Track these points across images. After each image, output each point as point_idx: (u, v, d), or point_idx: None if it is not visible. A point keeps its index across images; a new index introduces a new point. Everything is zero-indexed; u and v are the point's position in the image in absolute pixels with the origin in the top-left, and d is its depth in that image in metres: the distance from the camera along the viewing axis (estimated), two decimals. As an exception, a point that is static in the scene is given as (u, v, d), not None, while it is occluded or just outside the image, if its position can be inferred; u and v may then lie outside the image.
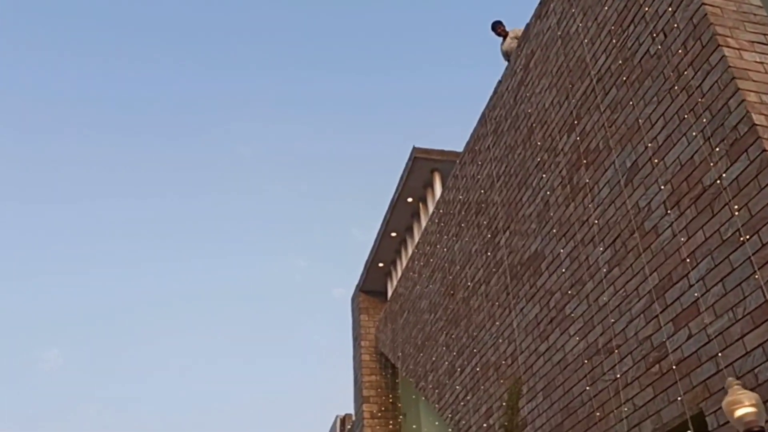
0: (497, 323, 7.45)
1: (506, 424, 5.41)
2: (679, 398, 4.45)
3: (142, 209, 43.93)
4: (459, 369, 8.50)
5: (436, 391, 9.29)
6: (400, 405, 11.77)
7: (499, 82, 8.11)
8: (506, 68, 7.95)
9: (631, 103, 5.25)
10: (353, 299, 14.57)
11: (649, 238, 4.91)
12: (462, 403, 8.30)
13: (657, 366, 4.70)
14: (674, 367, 4.51)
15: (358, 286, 14.28)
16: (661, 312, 4.69)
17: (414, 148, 10.83)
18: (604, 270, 5.42)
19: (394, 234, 12.56)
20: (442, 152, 10.85)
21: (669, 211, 4.68)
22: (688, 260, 4.44)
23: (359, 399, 13.30)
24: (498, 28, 8.79)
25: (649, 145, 4.99)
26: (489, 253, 7.88)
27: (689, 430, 4.22)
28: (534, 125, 6.96)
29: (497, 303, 7.51)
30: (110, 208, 42.67)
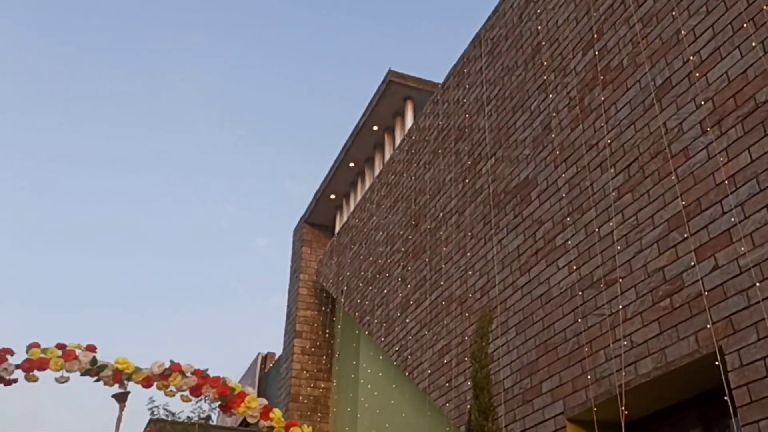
0: (468, 254, 6.94)
1: (476, 352, 4.93)
2: (692, 335, 4.03)
3: (66, 136, 41.24)
4: (415, 303, 8.00)
5: (384, 326, 8.78)
6: (337, 341, 11.24)
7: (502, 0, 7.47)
8: (512, -16, 7.30)
9: (672, 14, 4.71)
10: (296, 230, 13.87)
11: (676, 161, 4.43)
12: (414, 339, 7.81)
13: (668, 300, 4.27)
14: (691, 301, 4.07)
15: (303, 217, 13.57)
16: (681, 241, 4.23)
17: (390, 71, 10.10)
18: (613, 197, 4.94)
19: (352, 164, 11.86)
20: (418, 80, 10.17)
21: (708, 130, 4.19)
22: (726, 183, 3.98)
23: (291, 333, 12.71)
24: None
25: (691, 58, 4.47)
26: (467, 181, 7.33)
27: (718, 362, 3.80)
28: (542, 44, 6.37)
29: (470, 234, 6.99)
30: (30, 138, 39.84)
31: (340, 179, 12.34)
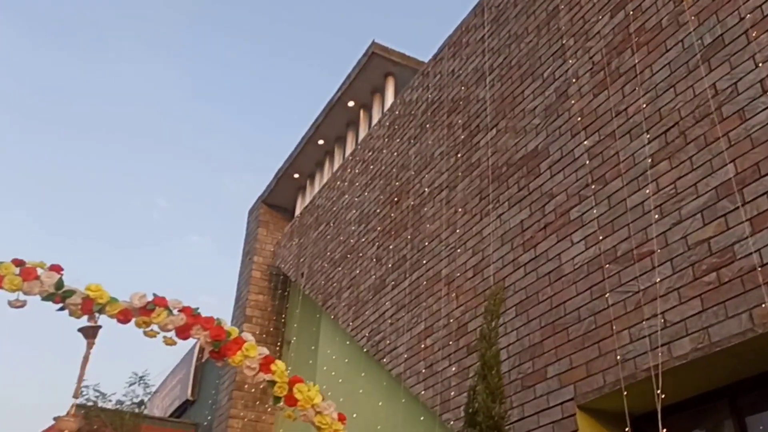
0: (458, 231, 6.42)
1: (486, 330, 4.42)
2: (744, 312, 3.60)
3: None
4: (392, 284, 7.43)
5: (352, 309, 8.18)
6: (294, 326, 10.53)
7: (511, -35, 7.02)
8: (524, -51, 6.86)
9: (726, -32, 4.33)
10: (252, 211, 13.10)
11: (728, 125, 4.02)
12: (389, 323, 7.24)
13: (713, 274, 3.84)
14: (744, 275, 3.65)
15: (260, 197, 12.82)
16: (732, 210, 3.82)
17: (373, 43, 9.53)
18: (646, 164, 4.50)
19: (321, 141, 11.22)
20: (402, 55, 9.64)
21: (770, 90, 3.80)
22: (794, 146, 3.58)
23: (240, 318, 11.91)
24: None
25: (748, 16, 4.09)
26: (460, 156, 6.82)
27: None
28: (559, 8, 5.93)
29: (462, 209, 6.48)
30: None
31: (306, 157, 11.67)
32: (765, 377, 3.82)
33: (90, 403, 10.10)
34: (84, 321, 3.36)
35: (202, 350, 15.32)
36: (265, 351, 3.47)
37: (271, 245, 12.32)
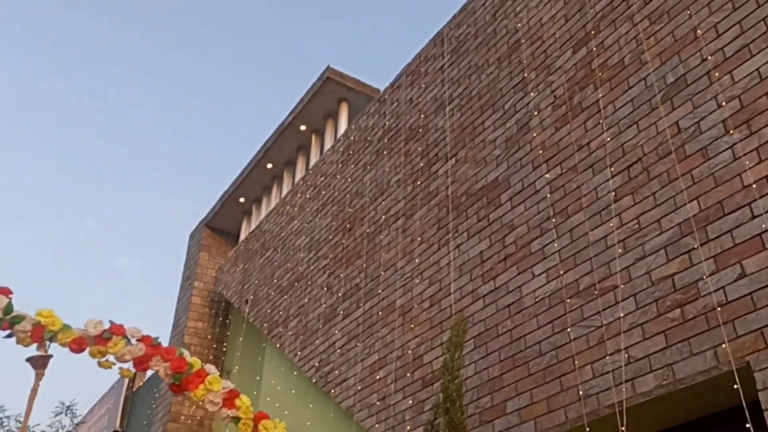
0: (416, 261, 6.33)
1: (449, 362, 4.31)
2: (709, 349, 3.61)
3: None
4: (342, 313, 7.25)
5: (300, 338, 7.94)
6: (237, 355, 10.16)
7: (471, -2, 7.09)
8: (485, -17, 6.95)
9: (688, 11, 4.44)
10: (194, 234, 12.71)
11: (691, 162, 4.08)
12: (340, 353, 7.05)
13: (677, 311, 3.85)
14: (708, 312, 3.67)
15: (203, 220, 12.46)
16: (697, 246, 3.85)
17: (328, 68, 9.45)
18: (609, 199, 4.53)
19: (270, 165, 11.01)
20: (357, 81, 9.59)
21: (732, 130, 3.88)
22: (754, 186, 3.64)
23: (178, 345, 11.42)
24: None
25: (710, 57, 4.19)
26: (418, 183, 6.76)
27: (735, 385, 3.37)
28: (521, 42, 5.99)
29: (420, 239, 6.40)
30: None
31: (253, 181, 11.42)
32: (728, 414, 3.83)
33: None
34: (33, 350, 3.08)
35: (133, 378, 14.64)
36: (230, 384, 3.25)
37: (213, 270, 11.94)
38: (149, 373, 13.91)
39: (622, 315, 4.15)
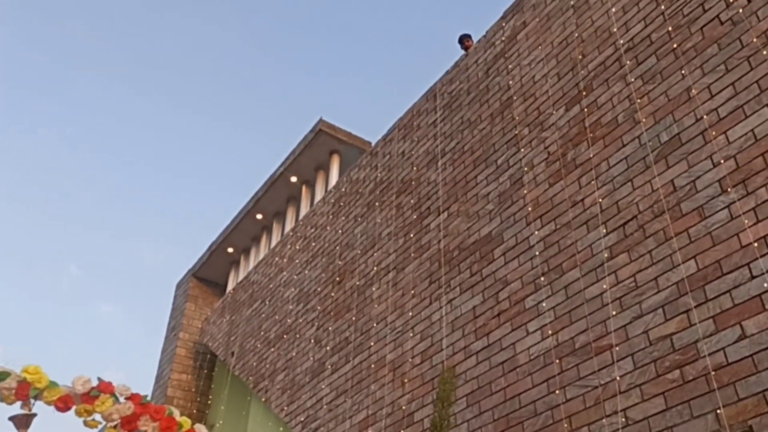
0: (408, 314, 6.23)
1: (437, 419, 4.18)
2: (710, 412, 3.53)
3: None
4: (331, 367, 7.10)
5: (287, 392, 7.75)
6: (222, 408, 9.89)
7: (464, 55, 7.20)
8: (478, 41, 7.07)
9: (681, 72, 4.51)
10: (180, 284, 12.54)
11: (687, 221, 4.07)
12: (327, 409, 6.87)
13: (677, 372, 3.78)
14: (707, 374, 3.61)
15: (191, 270, 12.31)
16: (695, 307, 3.81)
17: (320, 120, 9.52)
18: (603, 257, 4.50)
19: (260, 216, 10.96)
20: (348, 134, 9.65)
21: (729, 189, 3.89)
22: (755, 245, 3.63)
23: (160, 399, 11.14)
24: (465, 41, 7.55)
25: (705, 117, 4.23)
26: (411, 236, 6.72)
27: (733, 449, 3.28)
28: (513, 99, 6.06)
29: (412, 293, 6.32)
30: None
31: (242, 231, 11.35)
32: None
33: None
34: (16, 408, 2.95)
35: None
36: (218, 447, 3.12)
37: (198, 321, 11.74)
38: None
39: (619, 375, 4.07)
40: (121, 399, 3.04)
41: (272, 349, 8.56)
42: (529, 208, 5.33)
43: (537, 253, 5.07)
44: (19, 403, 2.94)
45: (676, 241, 4.07)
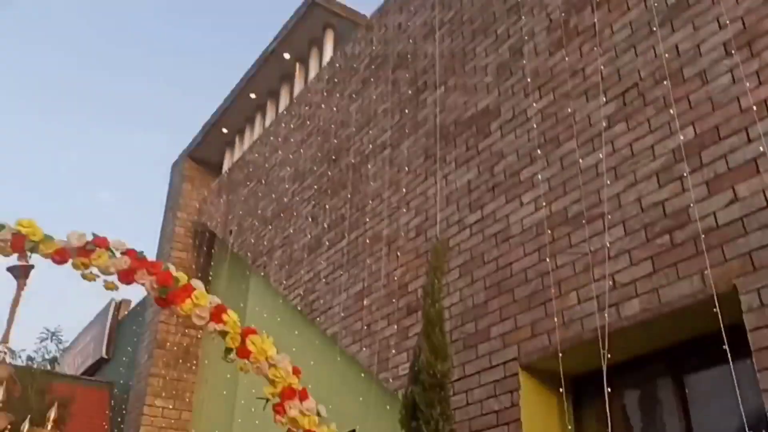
0: (403, 191, 6.26)
1: (429, 287, 4.29)
2: (696, 274, 3.61)
3: None
4: (327, 243, 7.21)
5: (285, 268, 7.92)
6: (222, 284, 10.16)
7: None
8: None
9: (692, -71, 4.27)
10: (176, 164, 12.50)
11: (689, 86, 3.99)
12: (324, 282, 7.04)
13: (666, 237, 3.83)
14: (697, 237, 3.65)
15: (186, 150, 12.24)
16: (690, 173, 3.81)
17: (314, -8, 9.12)
18: (602, 126, 4.45)
19: (253, 95, 10.76)
20: (344, 7, 9.29)
21: (733, 53, 3.78)
22: (755, 109, 3.57)
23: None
24: None
25: (713, -22, 4.04)
26: (406, 112, 6.62)
27: (715, 308, 3.38)
28: (515, -37, 5.77)
29: (407, 168, 6.31)
30: None
31: (236, 111, 11.16)
32: (707, 339, 3.87)
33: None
34: (14, 260, 3.00)
35: (118, 308, 14.69)
36: (217, 300, 3.21)
37: (196, 201, 11.82)
38: (135, 302, 14.01)
39: (609, 241, 4.13)
40: (117, 254, 3.09)
41: (269, 227, 8.67)
42: (528, 79, 5.21)
43: (534, 125, 5.01)
44: (15, 256, 3.00)
45: (675, 108, 4.00)
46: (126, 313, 14.11)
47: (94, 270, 3.08)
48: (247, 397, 7.80)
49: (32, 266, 3.02)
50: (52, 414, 3.38)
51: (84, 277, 3.08)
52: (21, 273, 2.99)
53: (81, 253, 3.02)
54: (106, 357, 13.14)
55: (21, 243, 2.93)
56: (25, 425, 3.44)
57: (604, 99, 4.49)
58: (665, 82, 4.11)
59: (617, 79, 4.46)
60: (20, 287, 3.02)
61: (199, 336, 10.64)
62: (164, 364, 10.06)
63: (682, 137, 3.91)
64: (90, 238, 3.07)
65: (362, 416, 5.93)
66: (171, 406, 9.72)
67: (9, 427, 3.06)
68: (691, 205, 3.74)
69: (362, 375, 6.04)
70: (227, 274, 9.74)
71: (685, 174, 3.82)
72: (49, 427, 3.30)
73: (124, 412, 10.40)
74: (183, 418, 9.81)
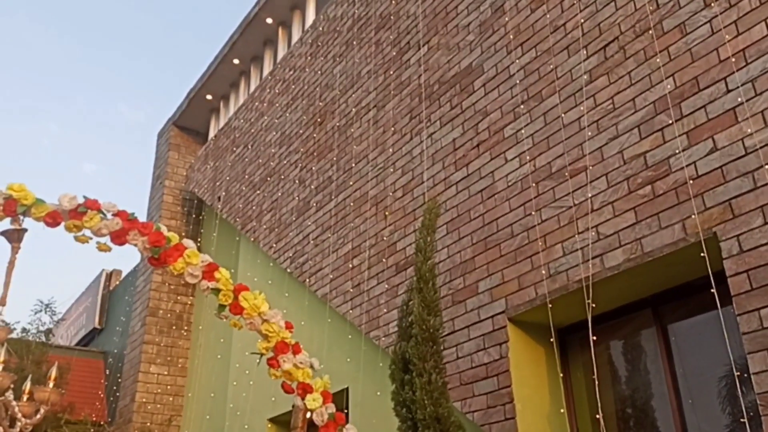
0: (389, 151, 6.29)
1: (421, 243, 4.36)
2: (677, 222, 3.70)
3: None
4: (315, 205, 7.26)
5: (274, 231, 7.98)
6: (212, 250, 10.20)
7: None
8: None
9: None
10: (162, 133, 12.43)
11: (668, 39, 4.03)
12: (314, 244, 7.11)
13: (648, 187, 3.91)
14: (678, 187, 3.74)
15: (171, 119, 12.16)
16: (670, 124, 3.87)
17: (294, -47, 9.00)
18: (583, 80, 4.49)
19: (237, 61, 10.66)
20: (325, -31, 9.15)
21: (712, 4, 3.81)
22: (733, 60, 3.63)
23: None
24: None
25: (693, -72, 4.05)
26: (390, 73, 6.62)
27: (703, 253, 3.48)
28: None
29: (393, 129, 6.34)
30: None
31: (220, 78, 11.07)
32: (688, 287, 3.99)
33: (-10, 333, 9.49)
34: (6, 224, 3.02)
35: (109, 278, 14.72)
36: (208, 258, 3.26)
37: (183, 169, 11.79)
38: (125, 272, 14.05)
39: (592, 194, 4.21)
40: (108, 215, 3.12)
41: (257, 192, 8.69)
42: (511, 36, 5.22)
43: (517, 81, 5.04)
44: (8, 220, 3.03)
45: (656, 60, 4.04)
46: (117, 283, 14.16)
47: (87, 232, 3.12)
48: (242, 360, 7.93)
49: (25, 230, 3.05)
50: (53, 373, 3.46)
51: (77, 239, 3.12)
52: (15, 237, 3.01)
53: (73, 216, 3.05)
54: (99, 327, 13.23)
55: (13, 207, 2.96)
56: (27, 384, 3.51)
57: (586, 53, 4.53)
58: (645, 35, 4.15)
59: (598, 33, 4.49)
60: (14, 251, 3.05)
61: (191, 302, 10.73)
62: (158, 331, 10.16)
63: (662, 89, 3.96)
64: (81, 200, 3.09)
65: (354, 375, 6.05)
66: (166, 372, 9.84)
67: (12, 386, 3.13)
68: (673, 155, 3.81)
69: (350, 336, 6.14)
70: (217, 240, 9.78)
71: (667, 124, 3.89)
72: (50, 385, 3.38)
73: (119, 380, 10.52)
74: (178, 383, 9.95)
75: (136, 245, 3.14)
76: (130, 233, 3.09)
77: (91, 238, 3.13)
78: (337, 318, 6.43)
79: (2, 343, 3.21)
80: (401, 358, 4.22)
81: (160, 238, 3.13)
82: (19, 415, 3.25)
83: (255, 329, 3.24)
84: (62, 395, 3.81)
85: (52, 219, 3.02)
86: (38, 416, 3.32)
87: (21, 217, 3.01)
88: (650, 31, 4.13)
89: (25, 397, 3.38)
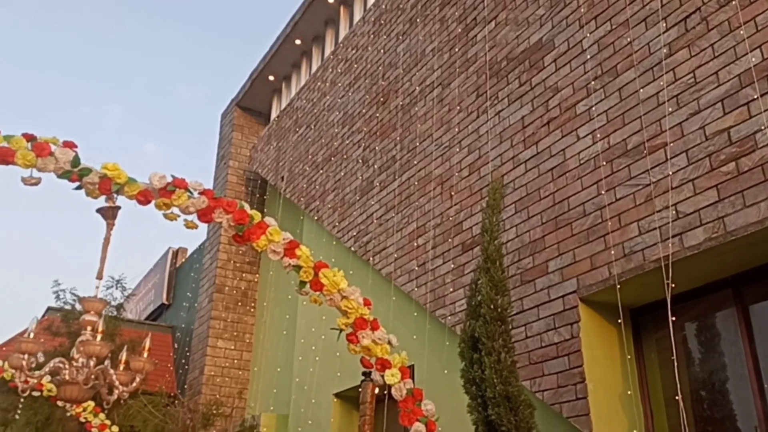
0: (455, 130, 6.25)
1: (487, 224, 4.33)
2: (764, 200, 3.56)
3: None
4: (379, 185, 7.29)
5: (338, 211, 8.05)
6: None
7: None
8: None
9: None
10: (225, 114, 12.66)
11: (755, 8, 3.85)
12: (378, 224, 7.15)
13: (732, 164, 3.77)
14: (765, 163, 3.59)
15: (234, 100, 12.37)
16: (756, 98, 3.71)
17: (357, -68, 8.96)
18: (663, 54, 4.34)
19: (298, 41, 10.73)
20: (387, -54, 9.09)
21: (805, -29, 3.62)
22: (828, 29, 3.44)
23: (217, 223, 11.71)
24: None
25: None
26: (456, 51, 6.55)
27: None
28: None
29: (459, 107, 6.28)
30: None
31: (281, 58, 11.18)
32: (774, 267, 3.84)
33: (68, 306, 9.95)
34: (101, 202, 3.15)
35: (176, 255, 15.19)
36: (289, 236, 3.32)
37: (246, 149, 12.01)
38: (190, 250, 14.45)
39: (672, 171, 4.09)
40: (195, 193, 3.21)
41: (320, 172, 8.78)
42: (583, 10, 5.09)
43: (590, 56, 4.91)
44: (103, 198, 3.15)
45: (741, 31, 3.88)
46: (183, 260, 14.60)
47: (175, 210, 3.22)
48: (306, 336, 8.07)
49: (119, 207, 3.18)
50: (147, 343, 3.61)
51: (166, 217, 3.23)
52: (110, 214, 3.14)
53: (163, 194, 3.15)
54: (166, 303, 13.68)
55: (108, 185, 3.08)
56: (123, 354, 3.68)
57: (665, 26, 4.37)
58: (729, 5, 3.98)
59: (678, 4, 4.33)
60: (109, 228, 3.19)
61: (255, 280, 10.97)
62: (224, 307, 10.44)
63: (748, 62, 3.79)
64: (170, 179, 3.19)
65: (419, 353, 6.09)
66: (233, 347, 10.12)
67: (110, 354, 3.29)
68: (760, 130, 3.66)
69: (415, 314, 6.17)
70: (280, 219, 9.91)
71: (753, 98, 3.73)
72: (144, 355, 3.53)
73: (187, 353, 10.88)
74: (244, 358, 10.22)
75: (221, 223, 3.22)
76: (216, 211, 3.18)
77: (179, 216, 3.24)
78: (401, 296, 6.46)
79: (100, 314, 3.37)
80: (470, 337, 4.21)
81: (244, 216, 3.20)
82: (117, 383, 3.42)
83: (335, 305, 3.29)
84: (156, 365, 3.96)
85: (144, 197, 3.13)
86: (134, 384, 3.49)
87: (115, 196, 3.14)
88: (734, 2, 3.95)
89: (121, 366, 3.55)
